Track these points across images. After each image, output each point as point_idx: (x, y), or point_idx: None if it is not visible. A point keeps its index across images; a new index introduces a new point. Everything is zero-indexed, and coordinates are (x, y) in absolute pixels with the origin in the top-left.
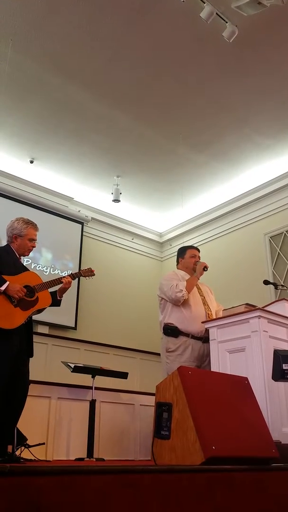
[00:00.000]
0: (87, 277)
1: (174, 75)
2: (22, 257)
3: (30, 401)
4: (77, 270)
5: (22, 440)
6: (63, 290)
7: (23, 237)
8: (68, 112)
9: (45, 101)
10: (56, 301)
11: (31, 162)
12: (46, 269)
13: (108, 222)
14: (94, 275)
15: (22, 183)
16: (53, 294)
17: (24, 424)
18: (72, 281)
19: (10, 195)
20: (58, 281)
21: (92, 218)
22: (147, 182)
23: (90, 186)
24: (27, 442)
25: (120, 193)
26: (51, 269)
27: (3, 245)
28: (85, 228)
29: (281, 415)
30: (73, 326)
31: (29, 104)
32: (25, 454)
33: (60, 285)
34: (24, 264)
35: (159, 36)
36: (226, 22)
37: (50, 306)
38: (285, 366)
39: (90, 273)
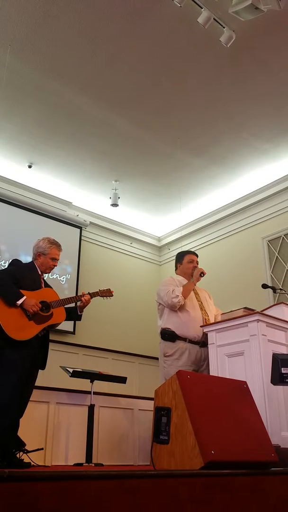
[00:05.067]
0: (104, 298)
1: (172, 80)
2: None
3: (28, 406)
4: (76, 275)
5: (20, 445)
6: (83, 306)
7: (46, 256)
8: (66, 116)
9: (43, 105)
10: (77, 316)
11: (30, 166)
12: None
13: (106, 226)
14: (112, 295)
15: (20, 188)
16: (74, 309)
17: (23, 429)
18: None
19: (9, 200)
20: (74, 298)
21: (91, 223)
22: (145, 186)
23: (89, 190)
24: (25, 447)
25: (119, 198)
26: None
27: (28, 262)
28: (83, 233)
29: (280, 419)
30: (72, 331)
31: (27, 108)
32: (23, 459)
33: (79, 302)
34: None
35: (156, 41)
36: (224, 27)
37: (72, 320)
38: (284, 370)
39: (108, 293)
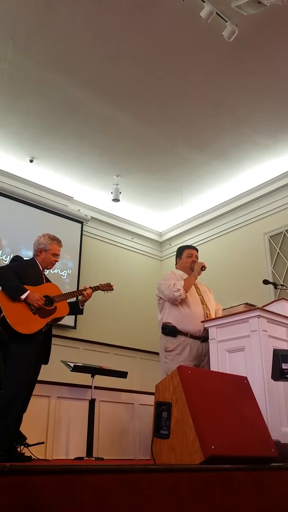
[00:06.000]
0: (105, 292)
1: (174, 74)
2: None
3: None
4: (77, 270)
5: (21, 439)
6: (85, 300)
7: (48, 252)
8: (68, 111)
9: (44, 100)
10: (79, 310)
11: (31, 161)
12: None
13: (107, 221)
14: (112, 289)
15: (21, 182)
16: (76, 303)
17: (24, 423)
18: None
19: (10, 194)
20: (76, 293)
21: (92, 217)
22: (147, 181)
23: (90, 185)
24: (26, 441)
25: (120, 193)
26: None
27: (29, 258)
28: (84, 228)
29: (280, 415)
30: (73, 325)
31: (28, 103)
32: (24, 453)
33: (80, 296)
34: None
35: (159, 35)
36: (226, 22)
37: (74, 314)
38: (284, 366)
39: (109, 287)
